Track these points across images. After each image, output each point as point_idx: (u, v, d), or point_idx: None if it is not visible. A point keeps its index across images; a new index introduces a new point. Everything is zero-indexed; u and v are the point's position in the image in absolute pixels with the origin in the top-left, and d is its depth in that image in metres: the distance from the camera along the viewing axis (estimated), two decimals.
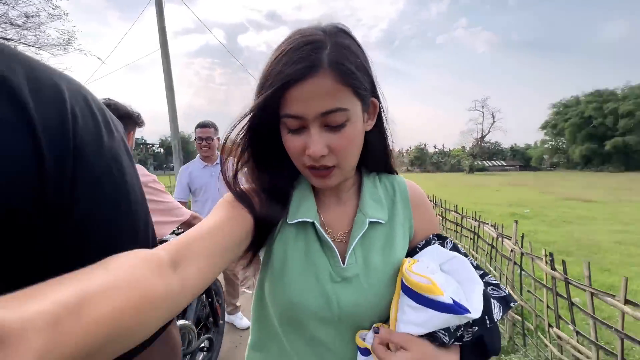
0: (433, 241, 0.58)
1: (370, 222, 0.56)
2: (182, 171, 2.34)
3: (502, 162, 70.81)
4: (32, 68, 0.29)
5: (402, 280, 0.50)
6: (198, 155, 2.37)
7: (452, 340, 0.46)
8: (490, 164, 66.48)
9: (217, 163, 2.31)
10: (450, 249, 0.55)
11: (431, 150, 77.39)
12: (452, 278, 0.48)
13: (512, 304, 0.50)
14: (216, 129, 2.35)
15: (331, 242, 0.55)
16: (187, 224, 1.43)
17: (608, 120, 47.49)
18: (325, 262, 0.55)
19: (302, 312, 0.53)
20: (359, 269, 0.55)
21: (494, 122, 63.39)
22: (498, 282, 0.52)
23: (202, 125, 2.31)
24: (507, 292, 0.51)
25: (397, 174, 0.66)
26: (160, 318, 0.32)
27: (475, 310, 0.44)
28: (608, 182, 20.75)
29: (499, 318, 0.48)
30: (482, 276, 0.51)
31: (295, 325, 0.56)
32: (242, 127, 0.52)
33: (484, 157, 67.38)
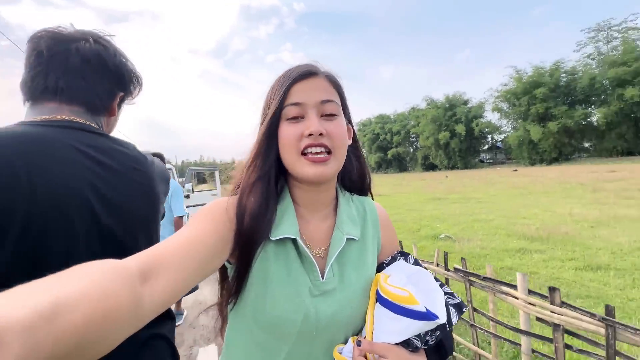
0: (398, 257, 0.63)
1: (346, 239, 0.59)
2: None
3: None
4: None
5: (379, 293, 0.54)
6: None
7: (422, 344, 0.50)
8: None
9: None
10: (412, 264, 0.60)
11: None
12: (418, 289, 0.52)
13: (464, 309, 0.55)
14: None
15: (313, 259, 0.56)
16: None
17: (387, 136, 67.03)
18: (305, 277, 0.55)
19: (285, 327, 0.53)
20: (336, 283, 0.57)
21: None
22: (452, 291, 0.56)
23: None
24: (459, 299, 0.55)
25: (372, 197, 0.72)
26: (124, 330, 0.32)
27: (442, 316, 0.48)
28: (391, 181, 29.35)
29: (455, 322, 0.53)
30: (440, 286, 0.55)
31: (275, 341, 0.55)
32: (258, 142, 0.57)
33: None
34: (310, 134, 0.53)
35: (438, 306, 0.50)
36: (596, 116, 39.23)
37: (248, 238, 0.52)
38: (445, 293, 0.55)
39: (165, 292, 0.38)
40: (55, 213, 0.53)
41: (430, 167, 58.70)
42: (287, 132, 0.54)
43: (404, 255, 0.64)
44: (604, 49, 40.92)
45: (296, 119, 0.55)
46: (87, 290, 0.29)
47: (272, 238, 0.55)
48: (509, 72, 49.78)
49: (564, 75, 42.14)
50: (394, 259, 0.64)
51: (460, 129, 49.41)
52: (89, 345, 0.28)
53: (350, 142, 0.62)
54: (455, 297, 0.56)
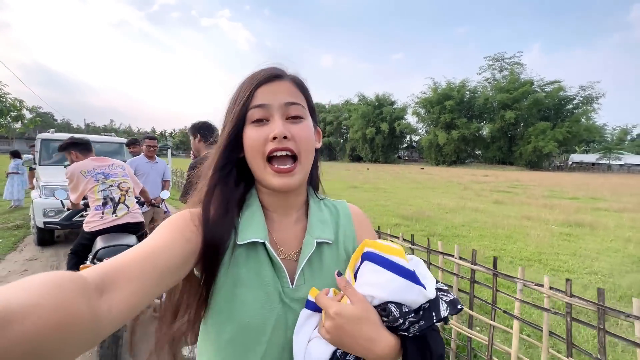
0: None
1: (318, 243, 0.58)
2: (131, 163, 3.76)
3: None
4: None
5: (366, 250, 0.51)
6: (142, 154, 3.97)
7: (401, 321, 0.45)
8: None
9: (156, 162, 4.02)
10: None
11: None
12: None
13: (459, 307, 0.48)
14: (158, 141, 3.99)
15: (282, 264, 0.54)
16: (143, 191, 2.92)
17: (321, 125, 68.87)
18: (276, 282, 0.54)
19: (254, 335, 0.52)
20: (306, 290, 0.54)
21: None
22: (447, 288, 0.52)
23: (152, 138, 3.99)
24: (454, 296, 0.50)
25: (323, 193, 0.70)
26: (82, 344, 0.32)
27: (431, 291, 0.46)
28: (320, 169, 31.58)
29: (445, 315, 0.47)
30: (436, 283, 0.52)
31: (242, 352, 0.53)
32: (219, 147, 0.57)
33: None
34: (274, 137, 0.52)
35: (429, 285, 0.48)
36: (485, 130, 48.52)
37: (211, 245, 0.51)
38: (439, 289, 0.50)
39: (125, 304, 0.37)
40: None
41: (357, 158, 63.56)
42: (252, 136, 0.53)
43: None
44: (498, 76, 50.30)
45: (261, 121, 0.54)
46: (40, 300, 0.28)
47: (239, 242, 0.54)
48: (428, 82, 56.94)
49: (468, 92, 50.45)
50: None
51: (384, 127, 54.66)
52: (42, 356, 0.28)
53: (319, 145, 0.63)
54: (449, 294, 0.50)
